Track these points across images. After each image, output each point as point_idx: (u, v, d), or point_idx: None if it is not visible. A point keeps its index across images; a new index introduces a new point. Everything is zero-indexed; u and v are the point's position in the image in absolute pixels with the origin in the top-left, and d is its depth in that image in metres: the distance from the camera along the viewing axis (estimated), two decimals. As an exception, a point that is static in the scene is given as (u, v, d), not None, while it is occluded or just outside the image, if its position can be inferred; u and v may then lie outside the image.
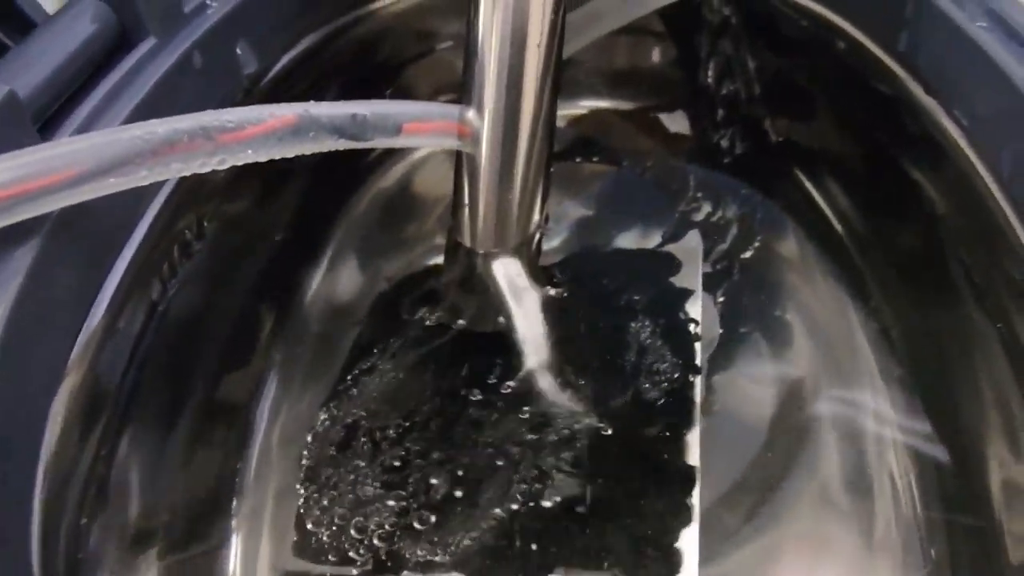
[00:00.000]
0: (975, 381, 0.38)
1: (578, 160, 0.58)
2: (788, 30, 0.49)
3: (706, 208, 0.54)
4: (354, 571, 0.39)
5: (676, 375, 0.45)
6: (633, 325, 0.47)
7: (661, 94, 0.59)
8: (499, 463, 0.42)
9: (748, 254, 0.51)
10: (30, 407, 0.28)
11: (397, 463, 0.42)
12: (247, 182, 0.44)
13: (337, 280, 0.53)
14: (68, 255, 0.30)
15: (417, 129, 0.36)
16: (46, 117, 0.31)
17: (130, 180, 0.27)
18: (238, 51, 0.41)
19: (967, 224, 0.38)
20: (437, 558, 0.39)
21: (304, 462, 0.43)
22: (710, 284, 0.50)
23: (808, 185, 0.53)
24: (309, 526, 0.41)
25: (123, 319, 0.33)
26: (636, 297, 0.49)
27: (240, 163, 0.30)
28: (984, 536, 0.36)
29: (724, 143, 0.57)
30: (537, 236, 0.45)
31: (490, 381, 0.45)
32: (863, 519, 0.41)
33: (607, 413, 0.43)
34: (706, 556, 0.39)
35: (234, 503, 0.43)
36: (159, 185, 0.35)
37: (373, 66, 0.54)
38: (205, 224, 0.40)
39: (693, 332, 0.47)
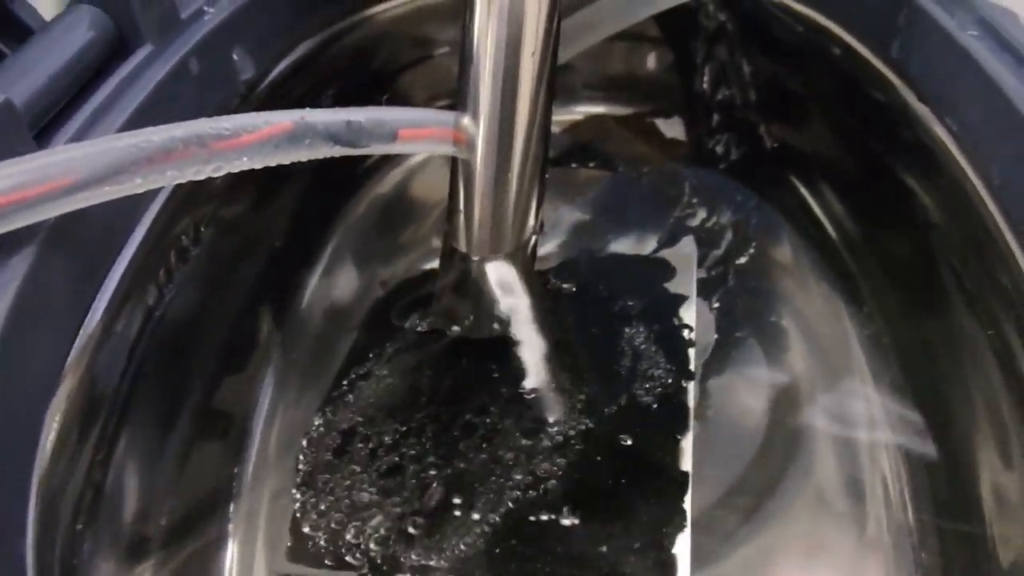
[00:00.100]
0: (966, 387, 0.38)
1: (574, 166, 0.59)
2: (783, 36, 0.49)
3: (701, 214, 0.55)
4: None
5: (670, 381, 0.45)
6: (628, 331, 0.47)
7: (657, 100, 0.59)
8: (494, 468, 0.42)
9: (743, 260, 0.52)
10: (26, 411, 0.28)
11: (393, 468, 0.42)
12: (244, 187, 0.44)
13: (334, 285, 0.53)
14: (65, 261, 0.30)
15: (413, 136, 0.36)
16: (42, 124, 0.31)
17: (125, 188, 0.27)
18: (235, 57, 0.41)
19: (958, 231, 0.38)
20: (432, 563, 0.39)
21: (300, 467, 0.43)
22: (705, 290, 0.50)
23: (803, 191, 0.53)
24: (305, 530, 0.41)
25: (120, 324, 0.34)
26: (631, 303, 0.49)
27: (236, 171, 0.30)
28: (975, 540, 0.36)
29: (719, 149, 0.57)
30: (532, 242, 0.45)
31: (484, 386, 0.45)
32: (856, 523, 0.41)
33: (601, 419, 0.44)
34: (700, 560, 0.39)
35: (230, 507, 0.43)
36: (156, 191, 0.35)
37: (369, 72, 0.54)
38: (202, 229, 0.40)
39: (687, 338, 0.47)
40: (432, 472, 0.42)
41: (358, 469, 0.43)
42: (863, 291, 0.48)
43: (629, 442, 0.43)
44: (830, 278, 0.50)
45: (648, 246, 0.53)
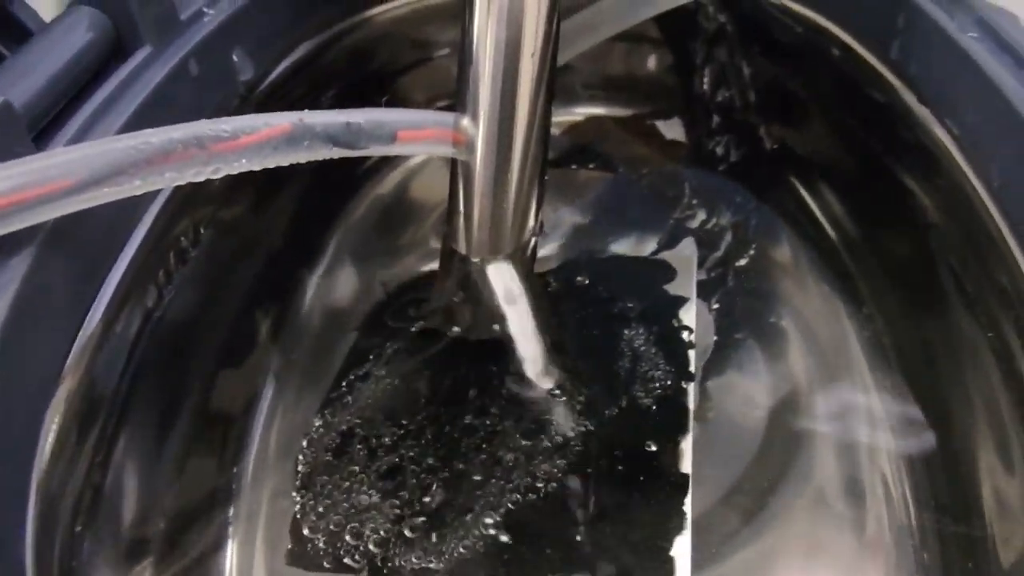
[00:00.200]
0: (966, 388, 0.38)
1: (573, 167, 0.59)
2: (783, 37, 0.49)
3: (701, 215, 0.55)
4: (349, 578, 0.40)
5: (670, 382, 0.45)
6: (627, 332, 0.47)
7: (657, 101, 0.59)
8: (493, 470, 0.42)
9: (743, 261, 0.52)
10: (26, 412, 0.28)
11: (392, 470, 0.42)
12: (243, 189, 0.44)
13: (333, 286, 0.53)
14: (64, 262, 0.30)
15: (412, 137, 0.36)
16: (41, 126, 0.31)
17: (124, 190, 0.27)
18: (234, 59, 0.41)
19: (958, 232, 0.38)
20: (432, 564, 0.39)
21: (300, 468, 0.43)
22: (704, 291, 0.50)
23: (802, 192, 0.53)
24: (305, 532, 0.41)
25: (119, 325, 0.34)
26: (631, 304, 0.49)
27: (235, 172, 0.30)
28: (976, 541, 0.36)
29: (719, 150, 0.57)
30: (532, 243, 0.45)
31: (484, 388, 0.45)
32: (856, 525, 0.41)
33: (601, 420, 0.44)
34: (699, 561, 0.39)
35: (230, 509, 0.43)
36: (155, 192, 0.35)
37: (369, 73, 0.54)
38: (201, 230, 0.40)
39: (687, 339, 0.47)
40: (432, 474, 0.42)
41: (357, 471, 0.43)
42: (863, 292, 0.48)
43: (628, 443, 0.43)
44: (830, 279, 0.50)
45: (648, 247, 0.53)
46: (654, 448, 0.43)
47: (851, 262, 0.49)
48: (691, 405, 0.44)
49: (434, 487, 0.42)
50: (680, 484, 0.41)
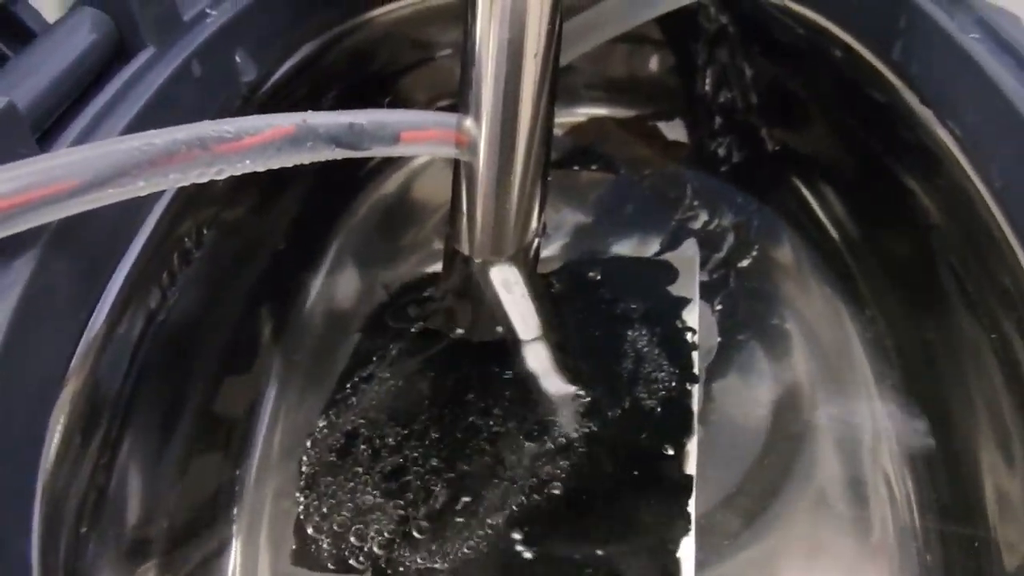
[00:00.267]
0: (968, 390, 0.38)
1: (576, 168, 0.59)
2: (784, 38, 0.49)
3: (703, 216, 0.55)
4: (353, 578, 0.40)
5: (674, 384, 0.45)
6: (631, 334, 0.47)
7: (658, 102, 0.59)
8: (497, 471, 0.42)
9: (745, 262, 0.52)
10: (31, 414, 0.28)
11: (396, 471, 0.42)
12: (246, 190, 0.44)
13: (336, 287, 0.53)
14: (68, 263, 0.30)
15: (415, 138, 0.36)
16: (45, 127, 0.31)
17: (128, 191, 0.27)
18: (237, 60, 0.41)
19: (959, 233, 0.38)
20: (437, 565, 0.39)
21: (304, 469, 0.43)
22: (707, 292, 0.50)
23: (804, 193, 0.53)
24: (309, 532, 0.41)
25: (123, 326, 0.34)
26: (634, 306, 0.49)
27: (238, 173, 0.30)
28: (979, 543, 0.36)
29: (721, 151, 0.57)
30: (535, 244, 0.45)
31: (488, 389, 0.45)
32: (859, 526, 0.41)
33: (605, 422, 0.44)
34: (703, 563, 0.39)
35: (234, 510, 0.43)
36: (159, 193, 0.35)
37: (370, 74, 0.54)
38: (204, 232, 0.40)
39: (691, 341, 0.47)
40: (436, 475, 0.42)
41: (361, 472, 0.43)
42: (865, 293, 0.48)
43: (632, 445, 0.43)
44: (832, 280, 0.50)
45: (650, 248, 0.53)
46: (658, 450, 0.43)
47: (853, 263, 0.49)
48: (695, 407, 0.44)
49: (438, 488, 0.42)
50: (684, 486, 0.41)
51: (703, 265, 0.52)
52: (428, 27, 0.54)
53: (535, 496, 0.41)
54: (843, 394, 0.45)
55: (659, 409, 0.44)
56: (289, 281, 0.51)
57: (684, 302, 0.49)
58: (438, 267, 0.51)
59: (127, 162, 0.27)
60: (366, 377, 0.47)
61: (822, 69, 0.47)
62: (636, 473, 0.42)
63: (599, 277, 0.51)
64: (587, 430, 0.43)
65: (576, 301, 0.50)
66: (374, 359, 0.48)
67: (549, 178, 0.43)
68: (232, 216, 0.43)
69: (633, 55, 0.58)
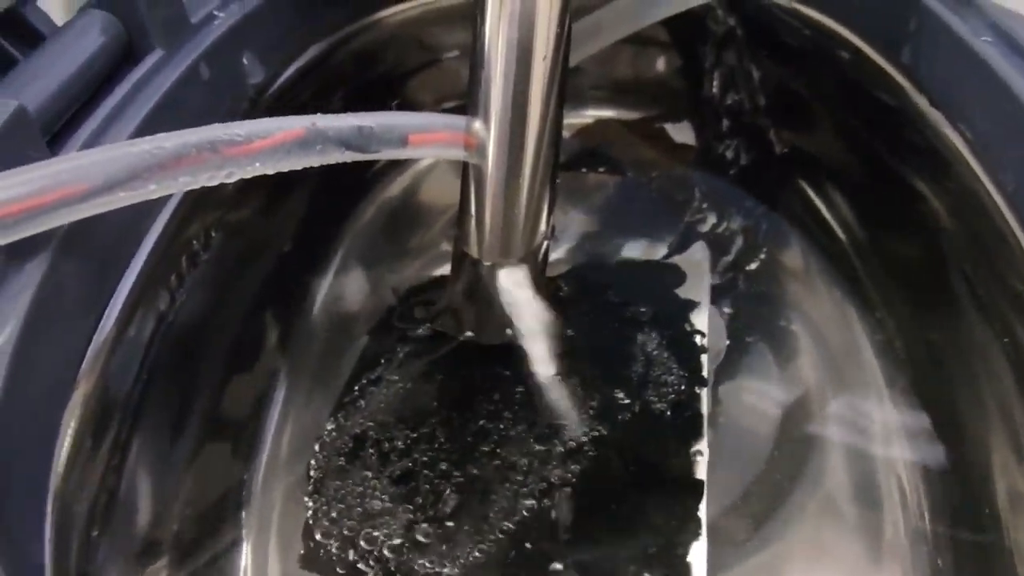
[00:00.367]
0: (979, 393, 0.38)
1: (583, 171, 0.59)
2: (792, 40, 0.49)
3: (711, 219, 0.54)
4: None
5: (683, 387, 0.45)
6: (639, 337, 0.47)
7: (666, 104, 0.59)
8: (507, 474, 0.42)
9: (753, 265, 0.51)
10: (42, 417, 0.28)
11: (405, 474, 0.42)
12: (253, 192, 0.44)
13: (343, 289, 0.53)
14: (79, 266, 0.30)
15: (423, 140, 0.36)
16: (55, 130, 0.31)
17: (139, 194, 0.27)
18: (244, 62, 0.41)
19: (970, 236, 0.38)
20: (446, 570, 0.39)
21: (312, 472, 0.43)
22: (716, 295, 0.50)
23: (812, 196, 0.53)
24: (317, 537, 0.41)
25: (132, 329, 0.34)
26: (642, 309, 0.49)
27: (248, 176, 0.30)
28: (991, 548, 0.36)
29: (729, 154, 0.57)
30: (543, 247, 0.45)
31: (497, 392, 0.45)
32: (869, 530, 0.41)
33: (614, 425, 0.44)
34: (714, 567, 0.39)
35: (242, 513, 0.43)
36: (167, 196, 0.35)
37: (377, 75, 0.54)
38: (212, 234, 0.40)
39: (700, 344, 0.47)
40: (445, 479, 0.42)
41: (370, 476, 0.42)
42: (873, 296, 0.48)
43: (642, 449, 0.43)
44: (841, 283, 0.50)
45: (659, 251, 0.53)
46: (668, 454, 0.43)
47: (861, 266, 0.49)
48: (705, 410, 0.44)
49: (447, 492, 0.41)
50: (695, 490, 0.41)
51: (712, 268, 0.52)
52: (435, 28, 0.54)
53: (545, 500, 0.41)
54: (853, 397, 0.45)
55: (669, 412, 0.44)
56: (296, 283, 0.51)
57: (693, 305, 0.49)
58: (445, 269, 0.50)
59: (138, 165, 0.27)
60: (374, 380, 0.47)
61: (831, 71, 0.47)
62: (646, 477, 0.42)
63: (607, 280, 0.51)
64: (596, 433, 0.43)
65: (585, 304, 0.50)
66: (382, 361, 0.48)
67: (558, 180, 0.42)
68: (239, 218, 0.43)
69: (640, 57, 0.58)
